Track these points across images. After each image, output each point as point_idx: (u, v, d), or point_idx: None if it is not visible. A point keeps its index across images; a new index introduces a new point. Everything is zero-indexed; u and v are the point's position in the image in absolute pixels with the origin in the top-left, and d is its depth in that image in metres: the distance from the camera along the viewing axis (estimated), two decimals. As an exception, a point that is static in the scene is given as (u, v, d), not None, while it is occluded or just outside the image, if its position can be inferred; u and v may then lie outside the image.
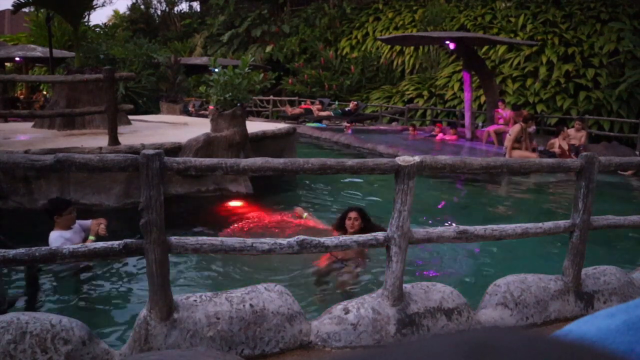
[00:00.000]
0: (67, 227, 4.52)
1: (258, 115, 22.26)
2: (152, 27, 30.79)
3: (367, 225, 4.70)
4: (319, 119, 18.54)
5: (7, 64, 20.89)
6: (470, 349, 0.34)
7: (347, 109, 19.05)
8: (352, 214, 4.83)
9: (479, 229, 3.42)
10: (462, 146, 13.73)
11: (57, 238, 4.34)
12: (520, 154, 10.28)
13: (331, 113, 19.03)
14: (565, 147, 10.84)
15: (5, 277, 4.37)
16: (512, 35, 18.98)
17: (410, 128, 16.59)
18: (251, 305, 3.00)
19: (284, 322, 3.03)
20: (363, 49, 23.83)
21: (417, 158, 3.15)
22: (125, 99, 15.55)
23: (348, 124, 16.89)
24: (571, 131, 12.05)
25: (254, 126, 8.30)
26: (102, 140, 6.46)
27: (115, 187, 6.04)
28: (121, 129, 7.04)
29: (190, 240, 2.92)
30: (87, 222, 4.68)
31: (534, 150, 10.93)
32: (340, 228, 4.89)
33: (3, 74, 14.57)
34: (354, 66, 23.29)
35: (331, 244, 3.16)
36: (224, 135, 6.68)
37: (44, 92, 21.84)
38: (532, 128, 11.99)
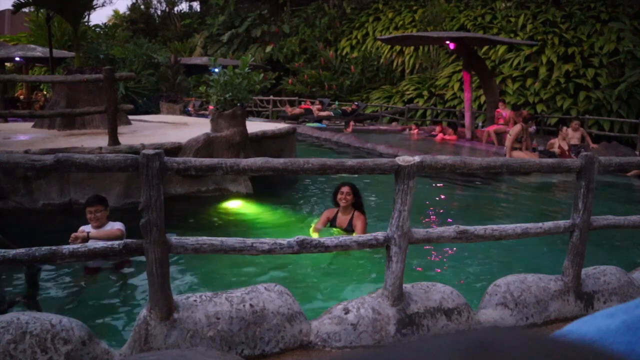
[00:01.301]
0: (93, 226, 4.51)
1: (258, 115, 22.26)
2: (152, 27, 30.80)
3: (357, 201, 5.28)
4: (319, 119, 18.55)
5: (7, 64, 20.89)
6: (470, 349, 0.34)
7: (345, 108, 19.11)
8: (345, 189, 5.23)
9: (479, 229, 3.42)
10: (462, 146, 13.74)
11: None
12: (520, 154, 10.28)
13: (331, 113, 19.04)
14: (565, 147, 10.84)
15: (5, 277, 4.37)
16: (512, 35, 18.99)
17: (413, 127, 16.57)
18: (251, 305, 3.00)
19: (284, 322, 3.03)
20: (363, 49, 23.84)
21: (417, 158, 3.15)
22: (125, 99, 15.54)
23: (349, 124, 16.88)
24: (569, 130, 12.05)
25: (254, 126, 8.30)
26: (102, 140, 6.46)
27: (115, 187, 6.04)
28: (121, 129, 7.05)
29: (190, 240, 2.92)
30: (116, 225, 4.60)
31: (534, 150, 10.94)
32: (334, 203, 5.42)
33: (3, 74, 14.57)
34: (354, 66, 23.30)
35: (331, 244, 3.16)
36: (224, 135, 6.68)
37: (44, 92, 21.84)
38: (532, 128, 12.00)
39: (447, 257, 5.30)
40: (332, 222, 5.36)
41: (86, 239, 4.29)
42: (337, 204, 5.36)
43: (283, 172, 3.12)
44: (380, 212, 6.33)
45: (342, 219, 5.27)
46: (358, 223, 5.16)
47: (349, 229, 5.21)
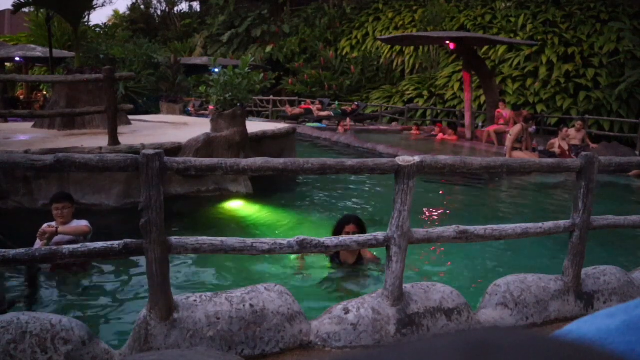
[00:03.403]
0: (58, 223, 4.50)
1: (258, 115, 22.26)
2: (152, 27, 30.80)
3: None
4: (319, 119, 18.55)
5: (7, 64, 20.89)
6: (470, 349, 0.34)
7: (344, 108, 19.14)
8: (350, 228, 4.32)
9: (479, 229, 3.42)
10: (462, 146, 13.74)
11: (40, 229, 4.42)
12: (521, 154, 10.29)
13: (331, 113, 19.05)
14: (566, 147, 10.84)
15: (5, 277, 4.37)
16: (512, 35, 18.99)
17: (414, 127, 16.59)
18: (251, 305, 3.00)
19: (284, 322, 3.03)
20: (363, 49, 23.85)
21: (417, 158, 3.15)
22: (125, 99, 15.53)
23: (342, 124, 16.83)
24: (571, 131, 12.06)
25: (254, 126, 8.30)
26: (102, 140, 6.45)
27: (115, 187, 6.03)
28: (121, 129, 7.04)
29: (190, 240, 2.91)
30: (82, 223, 4.61)
31: (534, 150, 10.94)
32: None
33: (3, 74, 14.57)
34: (354, 66, 23.31)
35: (331, 244, 3.16)
36: (224, 135, 6.68)
37: (44, 92, 21.84)
38: (532, 128, 12.01)
39: (447, 257, 5.30)
40: (333, 256, 4.57)
41: (55, 234, 4.33)
42: None
43: (283, 172, 3.12)
44: (380, 212, 6.32)
45: (347, 255, 4.51)
46: (367, 253, 4.56)
47: (358, 263, 4.58)
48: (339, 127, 16.46)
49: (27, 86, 22.28)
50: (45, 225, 4.42)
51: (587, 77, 16.52)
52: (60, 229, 4.40)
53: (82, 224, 4.57)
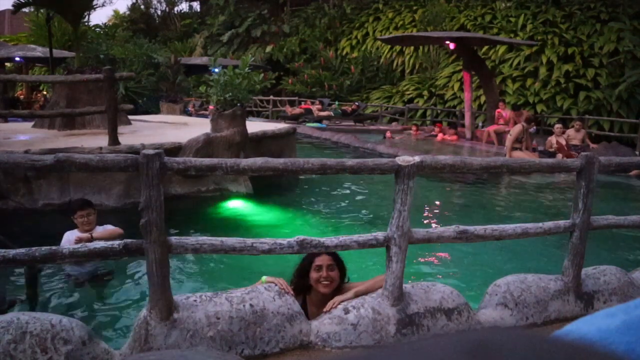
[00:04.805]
0: (83, 230, 4.47)
1: (258, 115, 22.26)
2: (152, 27, 30.80)
3: (342, 274, 3.30)
4: (319, 119, 18.55)
5: (7, 64, 20.88)
6: (470, 349, 0.34)
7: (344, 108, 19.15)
8: (323, 259, 3.16)
9: (479, 229, 3.41)
10: (462, 146, 13.74)
11: (66, 238, 4.40)
12: (520, 154, 10.29)
13: (331, 113, 19.05)
14: (563, 142, 10.88)
15: (5, 277, 4.37)
16: (512, 35, 18.99)
17: (413, 127, 16.58)
18: (251, 305, 3.00)
19: (284, 322, 3.03)
20: (363, 49, 23.85)
21: (417, 158, 3.15)
22: (125, 99, 15.53)
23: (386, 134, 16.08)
24: (570, 131, 12.07)
25: (254, 126, 8.30)
26: (102, 140, 6.46)
27: (115, 187, 6.04)
28: (121, 129, 7.04)
29: (190, 240, 2.91)
30: (109, 227, 4.58)
31: (534, 150, 10.95)
32: (300, 288, 3.27)
33: (3, 74, 14.57)
34: (354, 66, 23.31)
35: (331, 244, 3.15)
36: (224, 135, 6.68)
37: (44, 92, 21.83)
38: (532, 128, 12.02)
39: (447, 257, 5.30)
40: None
41: (90, 240, 4.26)
42: (305, 287, 3.27)
43: (283, 172, 3.12)
44: (380, 212, 6.33)
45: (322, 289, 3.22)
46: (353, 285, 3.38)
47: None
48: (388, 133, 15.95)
49: (27, 86, 22.28)
50: (72, 234, 4.39)
51: (587, 77, 16.52)
52: (95, 234, 4.38)
53: (108, 228, 4.55)
